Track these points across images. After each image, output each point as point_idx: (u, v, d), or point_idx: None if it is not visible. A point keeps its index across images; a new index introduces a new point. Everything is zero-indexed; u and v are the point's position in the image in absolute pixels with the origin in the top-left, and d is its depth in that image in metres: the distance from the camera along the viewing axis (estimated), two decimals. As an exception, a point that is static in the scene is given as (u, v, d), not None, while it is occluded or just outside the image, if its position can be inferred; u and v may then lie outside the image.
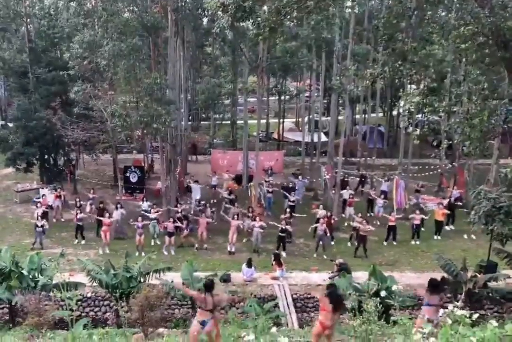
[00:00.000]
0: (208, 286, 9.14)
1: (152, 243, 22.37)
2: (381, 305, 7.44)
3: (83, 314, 16.69)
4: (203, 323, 8.81)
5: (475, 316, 3.59)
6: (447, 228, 24.31)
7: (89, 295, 17.30)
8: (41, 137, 27.91)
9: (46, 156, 30.41)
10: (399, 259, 21.15)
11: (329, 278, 18.05)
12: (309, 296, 17.85)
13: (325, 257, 20.76)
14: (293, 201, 25.67)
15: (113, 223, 22.58)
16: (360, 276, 16.37)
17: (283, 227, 21.28)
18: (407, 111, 15.52)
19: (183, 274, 16.23)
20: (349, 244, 22.50)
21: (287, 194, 26.02)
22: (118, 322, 14.59)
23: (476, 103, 11.42)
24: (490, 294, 16.29)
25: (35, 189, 28.61)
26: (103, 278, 14.90)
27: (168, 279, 15.79)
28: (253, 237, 21.71)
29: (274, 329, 4.66)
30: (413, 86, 19.73)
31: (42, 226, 21.73)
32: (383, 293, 9.49)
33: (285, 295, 17.62)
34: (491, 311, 17.12)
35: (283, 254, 21.22)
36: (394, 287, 10.68)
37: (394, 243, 22.69)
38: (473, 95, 11.67)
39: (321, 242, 21.34)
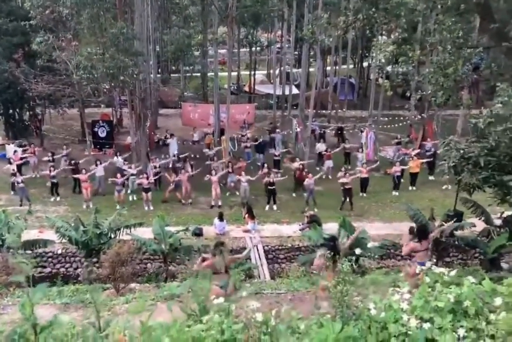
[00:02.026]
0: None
1: (130, 199, 22.21)
2: (357, 264, 7.35)
3: (54, 271, 16.66)
4: (223, 286, 8.66)
5: (453, 273, 3.54)
6: (430, 178, 24.65)
7: (59, 251, 17.19)
8: (4, 91, 27.01)
9: (10, 111, 29.55)
10: (368, 210, 21.44)
11: (300, 230, 18.22)
12: (280, 247, 18.07)
13: (316, 210, 20.42)
14: (278, 155, 25.67)
15: (96, 179, 22.33)
16: (331, 227, 16.49)
17: (271, 180, 21.13)
18: (378, 62, 15.29)
19: (154, 229, 16.12)
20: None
21: (272, 149, 26.30)
22: (89, 278, 14.56)
23: (451, 52, 11.24)
24: (456, 242, 16.68)
25: (1, 145, 27.88)
26: (72, 235, 14.72)
27: (139, 234, 15.66)
28: (241, 191, 21.53)
29: (244, 293, 4.57)
30: (384, 37, 19.39)
31: (23, 181, 21.23)
32: (357, 251, 9.39)
33: (256, 247, 17.77)
34: (456, 258, 17.66)
35: (274, 207, 21.36)
36: (369, 245, 10.63)
37: (364, 195, 22.92)
38: (447, 44, 11.45)
39: (311, 195, 21.20)
